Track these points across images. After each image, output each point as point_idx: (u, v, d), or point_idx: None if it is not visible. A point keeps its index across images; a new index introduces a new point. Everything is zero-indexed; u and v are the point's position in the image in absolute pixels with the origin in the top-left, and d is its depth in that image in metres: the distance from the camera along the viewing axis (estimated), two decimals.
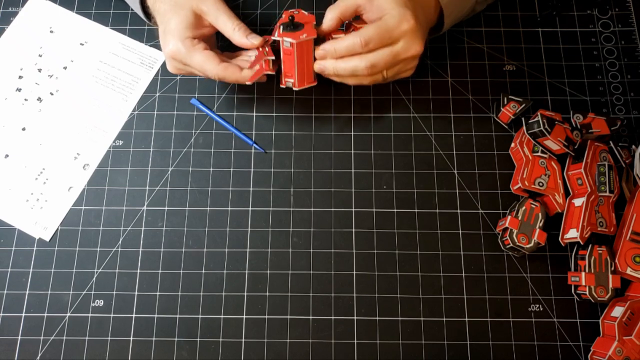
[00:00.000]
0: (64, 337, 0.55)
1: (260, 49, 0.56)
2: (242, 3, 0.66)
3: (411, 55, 0.53)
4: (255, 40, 0.55)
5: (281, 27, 0.54)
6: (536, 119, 0.56)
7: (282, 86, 0.58)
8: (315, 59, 0.56)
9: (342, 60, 0.54)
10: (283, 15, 0.54)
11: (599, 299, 0.52)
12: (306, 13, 0.55)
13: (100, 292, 0.56)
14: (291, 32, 0.53)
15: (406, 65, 0.55)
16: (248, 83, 0.55)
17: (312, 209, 0.59)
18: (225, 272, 0.57)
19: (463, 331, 0.55)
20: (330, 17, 0.54)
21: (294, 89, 0.58)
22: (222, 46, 0.61)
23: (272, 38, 0.55)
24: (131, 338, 0.55)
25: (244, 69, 0.55)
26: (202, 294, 0.56)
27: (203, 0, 0.54)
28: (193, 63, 0.54)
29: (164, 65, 0.64)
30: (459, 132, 0.61)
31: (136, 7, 0.60)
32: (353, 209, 0.59)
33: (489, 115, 0.62)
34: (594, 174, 0.56)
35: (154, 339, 0.55)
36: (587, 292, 0.53)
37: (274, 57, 0.55)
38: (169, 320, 0.55)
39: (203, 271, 0.57)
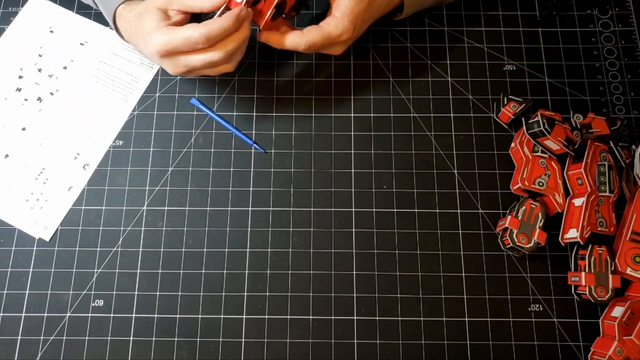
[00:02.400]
0: (64, 337, 0.55)
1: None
2: None
3: (332, 53, 0.58)
4: None
5: None
6: (536, 119, 0.56)
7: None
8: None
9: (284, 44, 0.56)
10: None
11: (599, 299, 0.52)
12: None
13: (100, 292, 0.56)
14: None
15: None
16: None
17: (312, 209, 0.59)
18: (225, 272, 0.57)
19: (463, 331, 0.55)
20: None
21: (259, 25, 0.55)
22: None
23: None
24: (131, 338, 0.55)
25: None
26: (202, 293, 0.56)
27: None
28: (178, 38, 0.50)
29: None
30: (459, 132, 0.61)
31: (113, 28, 0.58)
32: (353, 209, 0.59)
33: (489, 115, 0.62)
34: (594, 174, 0.56)
35: (154, 339, 0.55)
36: (587, 292, 0.53)
37: None
38: (169, 320, 0.55)
39: (203, 271, 0.57)
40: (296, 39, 0.54)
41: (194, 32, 0.50)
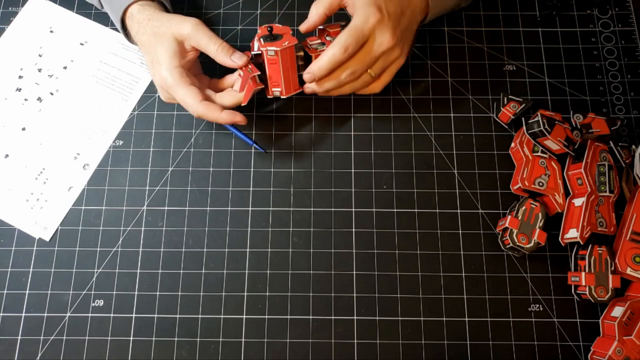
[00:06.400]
0: (64, 337, 0.55)
1: (244, 67, 0.56)
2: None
3: (386, 48, 0.54)
4: (240, 60, 0.55)
5: (261, 39, 0.54)
6: (536, 119, 0.56)
7: (269, 96, 0.58)
8: (298, 67, 0.57)
9: (326, 79, 0.55)
10: (259, 30, 0.55)
11: (599, 299, 0.52)
12: (280, 26, 0.56)
13: (100, 292, 0.56)
14: (272, 42, 0.54)
15: (388, 58, 0.55)
16: (243, 104, 0.56)
17: (312, 209, 0.59)
18: (225, 272, 0.57)
19: (463, 331, 0.55)
20: (316, 13, 0.55)
21: (282, 97, 0.57)
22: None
23: (253, 52, 0.56)
24: (131, 338, 0.55)
25: (224, 110, 0.54)
26: (202, 293, 0.56)
27: (181, 25, 0.54)
28: (177, 96, 0.54)
29: None
30: (459, 132, 0.61)
31: (119, 27, 0.59)
32: (353, 209, 0.59)
33: (489, 115, 0.62)
34: (594, 174, 0.56)
35: (154, 338, 0.55)
36: (587, 292, 0.53)
37: (259, 72, 0.56)
38: (169, 320, 0.55)
39: (203, 271, 0.57)
40: (327, 50, 0.53)
41: (192, 104, 0.54)
